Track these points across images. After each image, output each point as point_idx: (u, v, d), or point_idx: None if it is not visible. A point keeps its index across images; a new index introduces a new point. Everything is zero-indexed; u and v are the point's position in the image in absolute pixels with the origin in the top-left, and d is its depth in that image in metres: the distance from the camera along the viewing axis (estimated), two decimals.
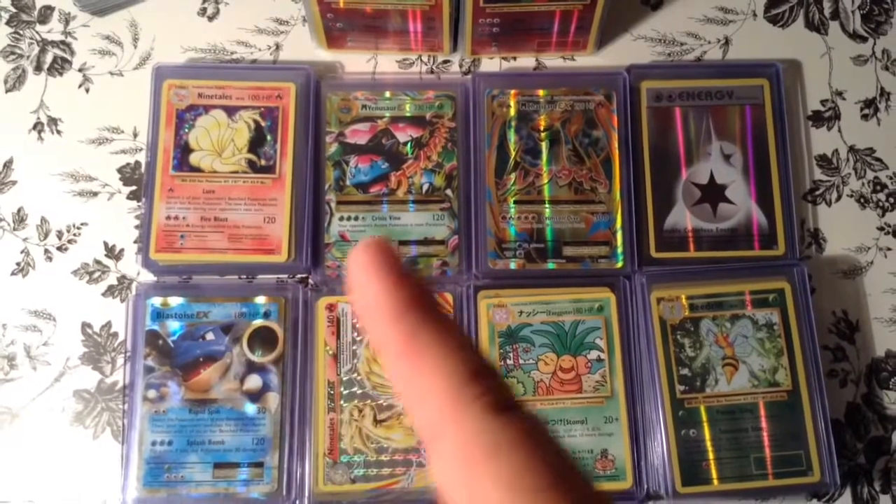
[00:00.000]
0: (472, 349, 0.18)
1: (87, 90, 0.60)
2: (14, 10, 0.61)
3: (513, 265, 0.56)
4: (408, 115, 0.58)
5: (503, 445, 0.17)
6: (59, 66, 0.60)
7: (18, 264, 0.57)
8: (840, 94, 0.61)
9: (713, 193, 0.57)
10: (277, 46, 0.61)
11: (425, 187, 0.57)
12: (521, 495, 0.16)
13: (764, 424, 0.53)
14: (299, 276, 0.57)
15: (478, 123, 0.57)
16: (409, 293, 0.18)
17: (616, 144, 0.57)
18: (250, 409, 0.53)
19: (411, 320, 0.18)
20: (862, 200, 0.59)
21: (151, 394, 0.52)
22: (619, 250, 0.56)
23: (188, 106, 0.57)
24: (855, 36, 0.62)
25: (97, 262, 0.57)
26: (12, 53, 0.60)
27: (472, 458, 0.17)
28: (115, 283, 0.56)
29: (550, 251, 0.56)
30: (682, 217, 0.57)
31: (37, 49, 0.60)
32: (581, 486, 0.17)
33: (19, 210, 0.57)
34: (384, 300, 0.18)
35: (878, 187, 0.60)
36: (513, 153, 0.57)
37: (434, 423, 0.18)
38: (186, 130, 0.56)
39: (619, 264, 0.56)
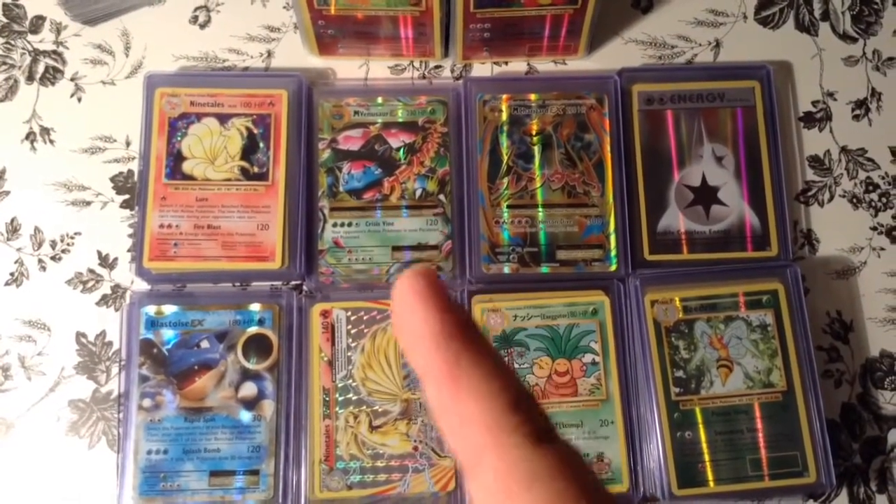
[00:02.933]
0: (514, 377, 0.19)
1: (80, 99, 0.60)
2: (5, 20, 0.61)
3: (506, 269, 0.56)
4: (400, 120, 0.58)
5: (541, 475, 0.17)
6: (51, 76, 0.60)
7: (12, 274, 0.57)
8: (831, 94, 0.61)
9: (706, 195, 0.57)
10: (269, 54, 0.61)
11: (418, 193, 0.57)
12: None
13: (759, 426, 0.53)
14: (293, 283, 0.56)
15: (470, 128, 0.57)
16: (453, 322, 0.18)
17: (608, 148, 0.57)
18: (246, 416, 0.53)
19: (454, 348, 0.18)
20: (854, 201, 0.60)
21: (146, 403, 0.52)
22: (613, 253, 0.56)
23: (180, 114, 0.57)
24: (845, 37, 0.62)
25: (91, 271, 0.57)
26: (4, 63, 0.60)
27: (510, 487, 0.17)
28: (109, 292, 0.56)
29: (544, 255, 0.56)
30: (675, 219, 0.57)
31: (28, 59, 0.60)
32: None
33: (12, 220, 0.57)
34: (429, 327, 0.18)
35: (871, 187, 0.60)
36: (505, 157, 0.57)
37: (474, 450, 0.18)
38: (179, 138, 0.57)
39: (613, 267, 0.56)
